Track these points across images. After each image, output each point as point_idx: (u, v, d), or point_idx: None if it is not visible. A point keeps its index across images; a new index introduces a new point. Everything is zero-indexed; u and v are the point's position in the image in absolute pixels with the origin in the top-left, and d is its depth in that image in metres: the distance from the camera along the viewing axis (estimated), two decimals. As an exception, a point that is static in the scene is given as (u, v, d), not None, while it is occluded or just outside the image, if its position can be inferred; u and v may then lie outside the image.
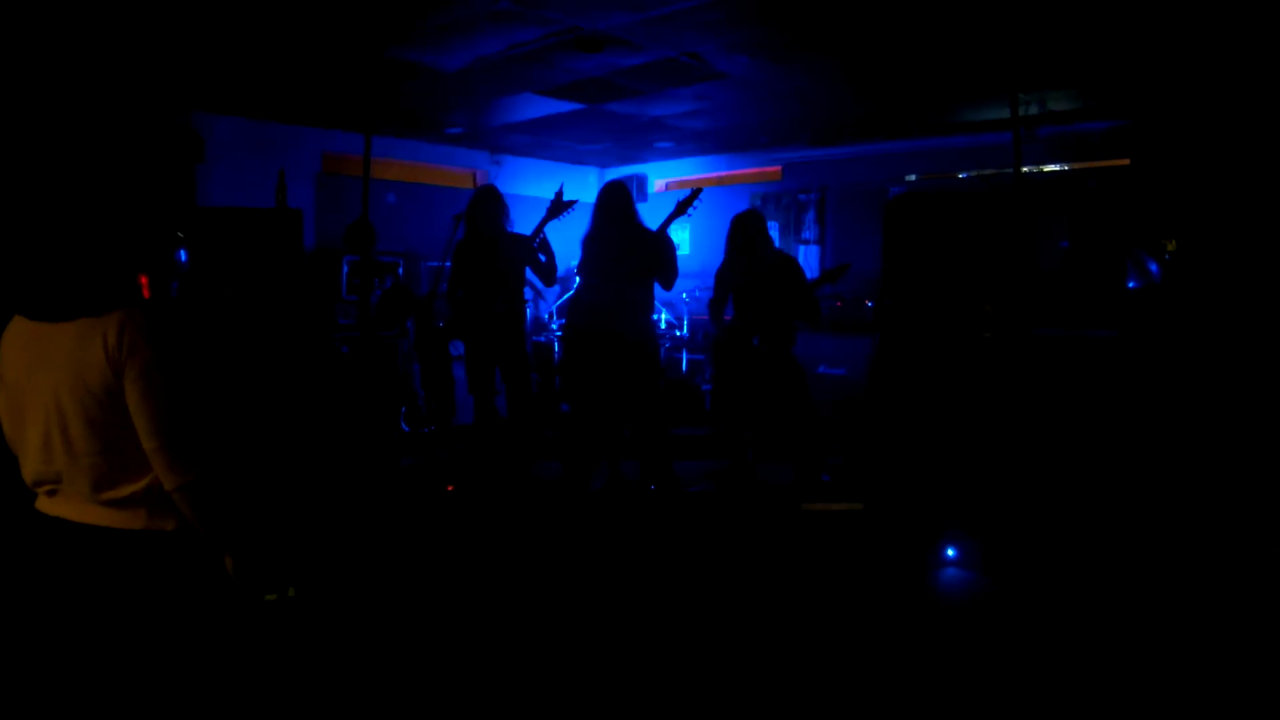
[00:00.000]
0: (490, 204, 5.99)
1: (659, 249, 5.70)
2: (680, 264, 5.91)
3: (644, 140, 9.68)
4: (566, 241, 6.70)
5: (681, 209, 5.81)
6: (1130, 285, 7.08)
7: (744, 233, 6.09)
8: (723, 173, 10.83)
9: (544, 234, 5.94)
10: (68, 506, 2.07)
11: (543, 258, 5.97)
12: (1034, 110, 7.59)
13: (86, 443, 2.01)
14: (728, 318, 6.30)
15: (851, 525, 5.29)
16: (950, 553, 4.76)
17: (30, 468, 2.09)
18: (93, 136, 7.10)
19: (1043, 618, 4.03)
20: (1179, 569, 4.57)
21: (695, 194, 5.89)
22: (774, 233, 10.09)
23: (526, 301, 6.23)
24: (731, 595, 4.33)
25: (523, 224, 6.17)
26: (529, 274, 6.08)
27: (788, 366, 6.05)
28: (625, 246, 5.72)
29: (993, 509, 5.47)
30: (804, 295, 5.99)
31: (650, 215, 6.16)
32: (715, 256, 9.80)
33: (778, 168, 10.30)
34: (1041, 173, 8.25)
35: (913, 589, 4.45)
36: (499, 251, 5.92)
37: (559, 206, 5.94)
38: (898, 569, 4.70)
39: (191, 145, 8.01)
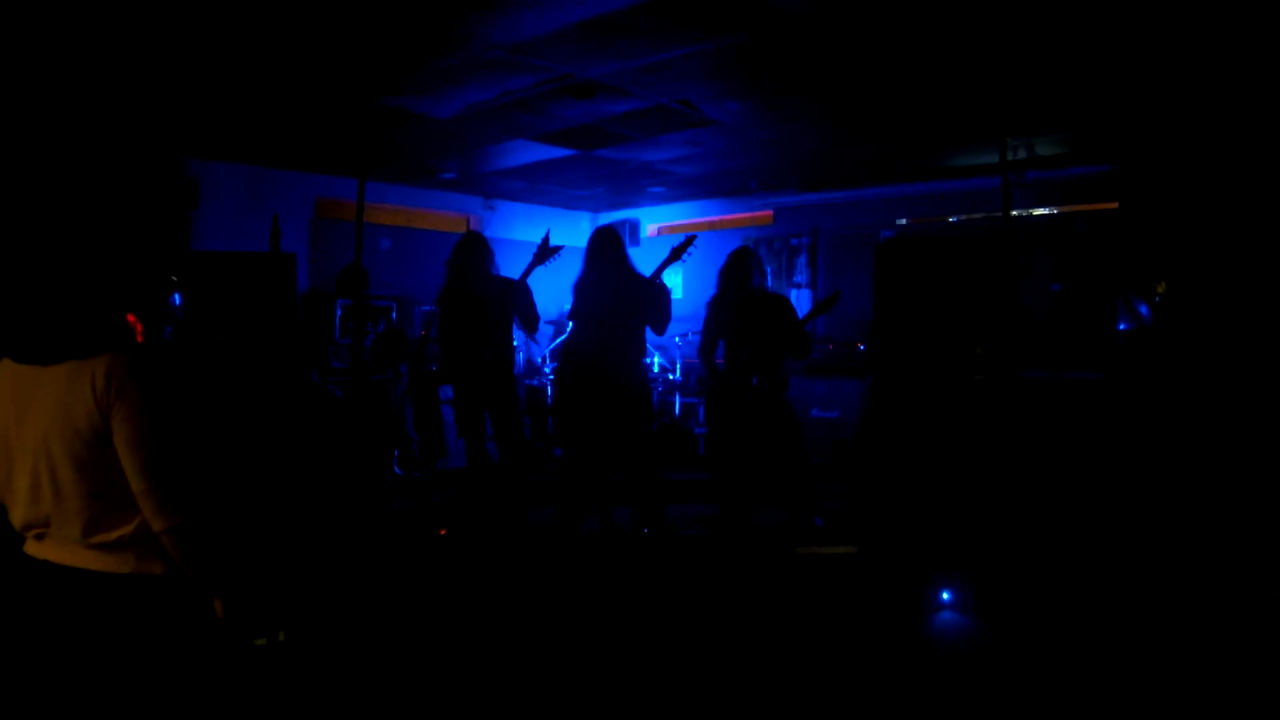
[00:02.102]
0: (474, 251, 6.02)
1: (651, 294, 5.72)
2: (673, 308, 5.93)
3: (636, 185, 9.76)
4: (559, 286, 6.72)
5: (675, 255, 5.85)
6: (1121, 327, 7.12)
7: (736, 270, 6.11)
8: (714, 217, 10.90)
9: (525, 281, 5.97)
10: (56, 550, 2.06)
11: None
12: (1022, 155, 7.68)
13: (75, 485, 2.00)
14: (719, 361, 6.30)
15: (845, 569, 5.26)
16: (944, 596, 4.73)
17: (19, 512, 2.08)
18: (84, 181, 7.15)
19: (1038, 662, 4.00)
20: (1173, 611, 4.55)
21: (689, 241, 5.94)
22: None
23: (517, 347, 6.24)
24: (725, 639, 4.29)
25: (515, 268, 6.19)
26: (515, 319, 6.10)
27: (782, 408, 6.05)
28: (617, 291, 5.74)
29: (987, 552, 5.45)
30: (795, 330, 5.99)
31: (643, 260, 6.20)
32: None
33: (769, 212, 10.38)
34: (1031, 216, 8.33)
35: (907, 633, 4.42)
36: (483, 298, 5.93)
37: (545, 253, 5.98)
38: (892, 612, 4.67)
39: (185, 191, 8.06)
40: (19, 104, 6.13)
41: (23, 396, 2.04)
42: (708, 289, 10.09)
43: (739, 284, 6.11)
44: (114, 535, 2.03)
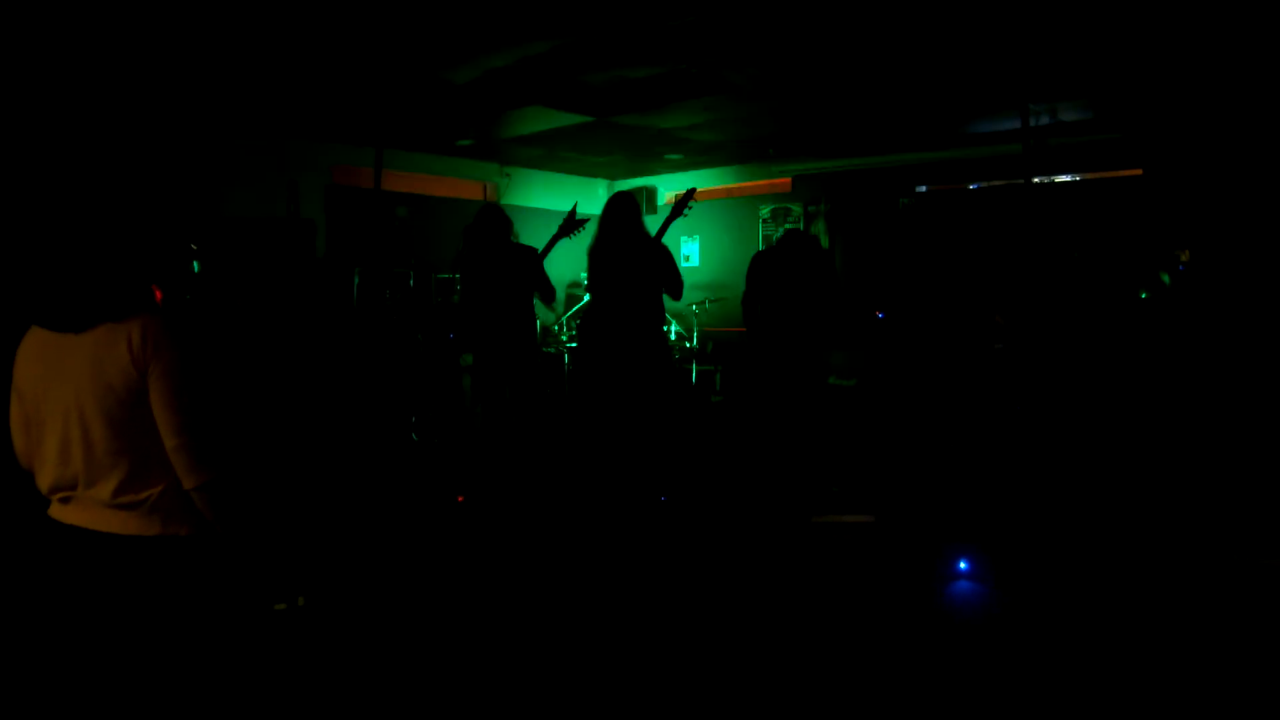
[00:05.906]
0: (493, 221, 6.03)
1: (661, 259, 5.72)
2: (690, 276, 5.92)
3: (653, 152, 9.69)
4: (577, 252, 6.71)
5: (678, 210, 5.87)
6: (1143, 296, 7.07)
7: (792, 250, 6.13)
8: (732, 185, 10.83)
9: (543, 254, 5.99)
10: (82, 513, 2.09)
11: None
12: (1045, 121, 7.58)
13: (108, 443, 2.04)
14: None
15: (862, 537, 5.27)
16: (961, 565, 4.74)
17: (47, 474, 2.12)
18: (109, 150, 7.17)
19: (1055, 631, 4.01)
20: (1187, 580, 4.54)
21: (689, 193, 5.96)
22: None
23: (536, 318, 6.24)
24: (742, 607, 4.31)
25: (532, 235, 6.18)
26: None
27: (811, 376, 6.01)
28: (632, 258, 5.73)
29: (1004, 520, 5.44)
30: (832, 289, 5.98)
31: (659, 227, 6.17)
32: (725, 269, 9.78)
33: (787, 179, 10.30)
34: (1053, 183, 8.23)
35: (923, 601, 4.43)
36: (503, 269, 5.95)
37: (571, 225, 6.00)
38: (908, 581, 4.68)
39: (204, 159, 8.07)
40: (47, 81, 6.13)
41: (53, 361, 2.07)
42: (724, 256, 10.07)
43: (783, 253, 6.14)
44: (143, 495, 2.06)
